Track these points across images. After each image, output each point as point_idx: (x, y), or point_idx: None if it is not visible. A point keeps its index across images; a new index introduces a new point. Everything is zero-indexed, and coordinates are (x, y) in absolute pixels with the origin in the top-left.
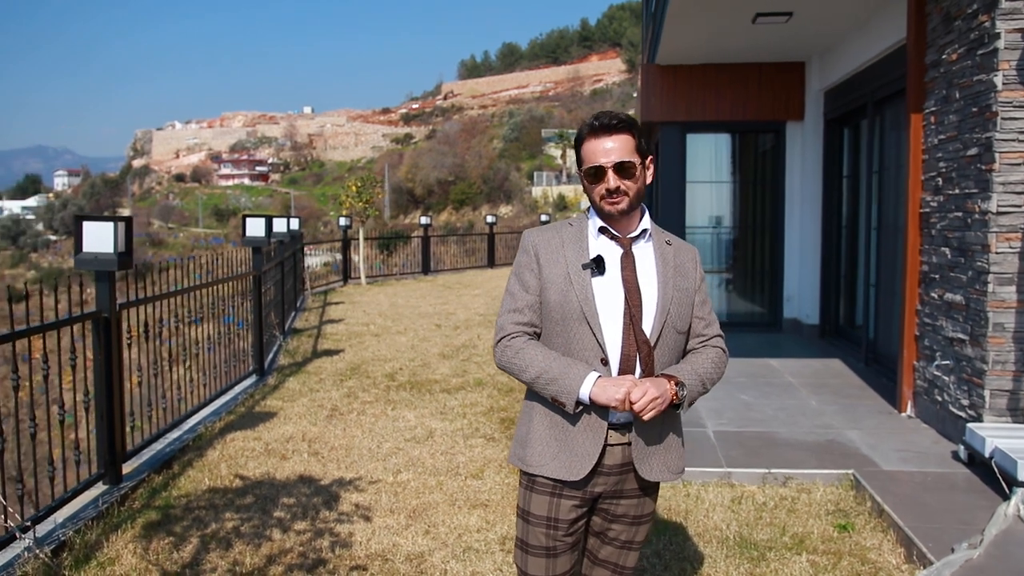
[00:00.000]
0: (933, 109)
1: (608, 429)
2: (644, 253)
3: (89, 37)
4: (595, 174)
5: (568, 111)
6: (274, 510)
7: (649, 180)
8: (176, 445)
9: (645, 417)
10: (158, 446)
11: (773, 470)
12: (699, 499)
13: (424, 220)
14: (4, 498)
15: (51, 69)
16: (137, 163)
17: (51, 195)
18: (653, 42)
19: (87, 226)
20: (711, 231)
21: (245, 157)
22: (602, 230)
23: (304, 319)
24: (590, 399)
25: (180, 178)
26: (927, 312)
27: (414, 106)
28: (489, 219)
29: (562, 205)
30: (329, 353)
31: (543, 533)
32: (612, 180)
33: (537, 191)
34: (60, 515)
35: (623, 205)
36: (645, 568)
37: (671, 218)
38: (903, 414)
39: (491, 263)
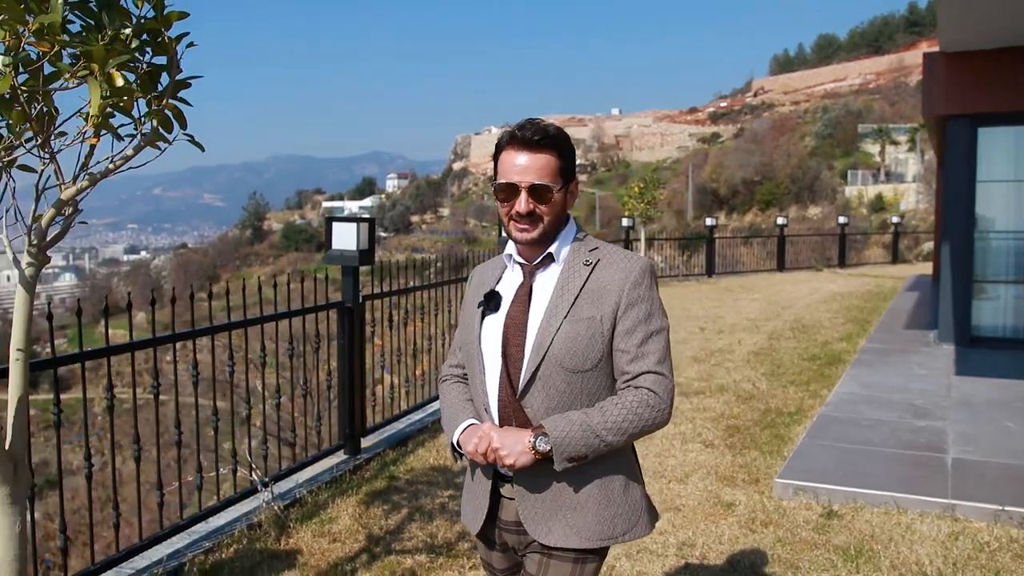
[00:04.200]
0: None
1: (500, 481)
2: (546, 281)
3: (414, 52)
4: (507, 192)
5: (890, 104)
6: None
7: (571, 204)
8: (416, 426)
9: (503, 467)
10: (399, 425)
11: (1009, 508)
12: (909, 529)
13: (709, 221)
14: (251, 458)
15: (387, 80)
16: (457, 166)
17: (383, 196)
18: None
19: (336, 226)
20: (1011, 236)
21: None
22: (511, 257)
23: None
24: (460, 447)
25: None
26: None
27: (722, 104)
28: (780, 220)
29: (879, 206)
30: None
31: None
32: (524, 203)
33: (851, 191)
34: (301, 476)
35: (533, 234)
36: None
37: (955, 221)
38: None
39: (780, 267)
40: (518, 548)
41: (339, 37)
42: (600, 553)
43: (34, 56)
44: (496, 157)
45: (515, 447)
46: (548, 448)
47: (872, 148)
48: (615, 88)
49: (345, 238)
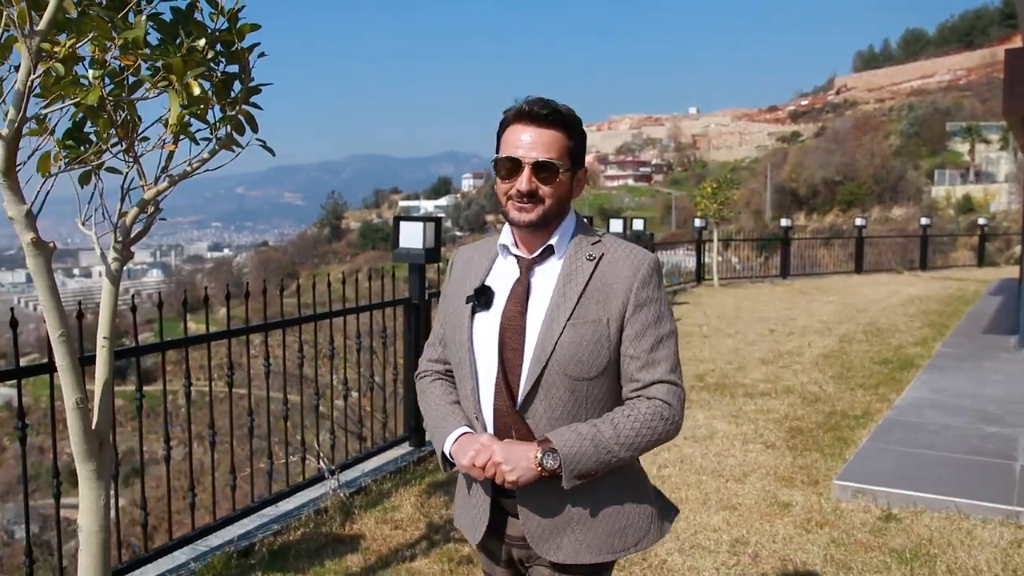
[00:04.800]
0: None
1: (500, 495)
2: (547, 276)
3: (492, 52)
4: (508, 168)
5: (982, 101)
6: None
7: (577, 194)
8: None
9: (506, 484)
10: None
11: None
12: (969, 535)
13: (784, 222)
14: (319, 447)
15: (464, 80)
16: None
17: (459, 195)
18: None
19: (403, 225)
20: None
21: (630, 159)
22: (505, 248)
23: None
24: (453, 458)
25: None
26: None
27: (803, 103)
28: (858, 221)
29: (967, 207)
30: None
31: None
32: (526, 181)
33: (938, 191)
34: (367, 466)
35: (533, 216)
36: None
37: None
38: None
39: (859, 269)
40: (525, 561)
41: (417, 37)
42: (611, 563)
43: (118, 68)
44: (500, 134)
45: (520, 463)
46: (556, 465)
47: (961, 147)
48: (693, 86)
49: (412, 237)
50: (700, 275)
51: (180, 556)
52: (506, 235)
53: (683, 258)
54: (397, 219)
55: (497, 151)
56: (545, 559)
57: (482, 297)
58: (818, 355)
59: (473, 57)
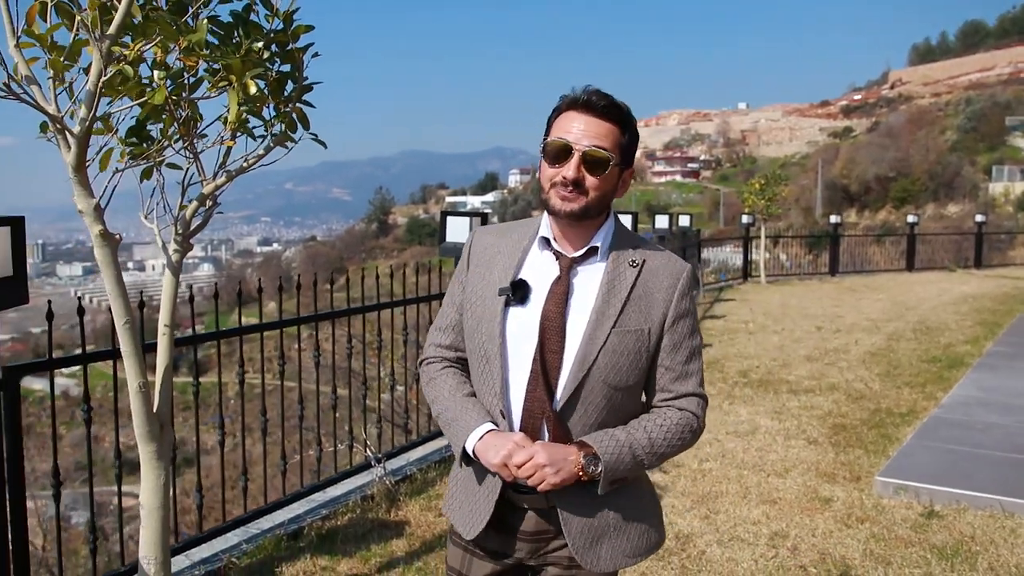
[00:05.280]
0: None
1: (512, 491)
2: (589, 278)
3: (535, 49)
4: (557, 153)
5: None
6: None
7: (620, 194)
8: None
9: (540, 489)
10: None
11: None
12: (1013, 532)
13: (834, 219)
14: (366, 437)
15: (510, 76)
16: None
17: (505, 191)
18: None
19: (450, 220)
20: None
21: (678, 154)
22: (545, 241)
23: None
24: (475, 455)
25: None
26: None
27: (856, 97)
28: (910, 219)
29: None
30: None
31: None
32: (573, 168)
33: (996, 187)
34: (412, 455)
35: (576, 206)
36: None
37: None
38: None
39: (910, 267)
40: (525, 557)
41: (462, 34)
42: None
43: (179, 69)
44: (552, 119)
45: (563, 466)
46: (599, 471)
47: (1021, 142)
48: (742, 81)
49: (458, 231)
50: (747, 272)
51: (233, 537)
52: (546, 227)
53: (730, 255)
54: (444, 214)
55: (546, 136)
56: (563, 557)
57: (518, 292)
58: (865, 353)
59: (521, 54)
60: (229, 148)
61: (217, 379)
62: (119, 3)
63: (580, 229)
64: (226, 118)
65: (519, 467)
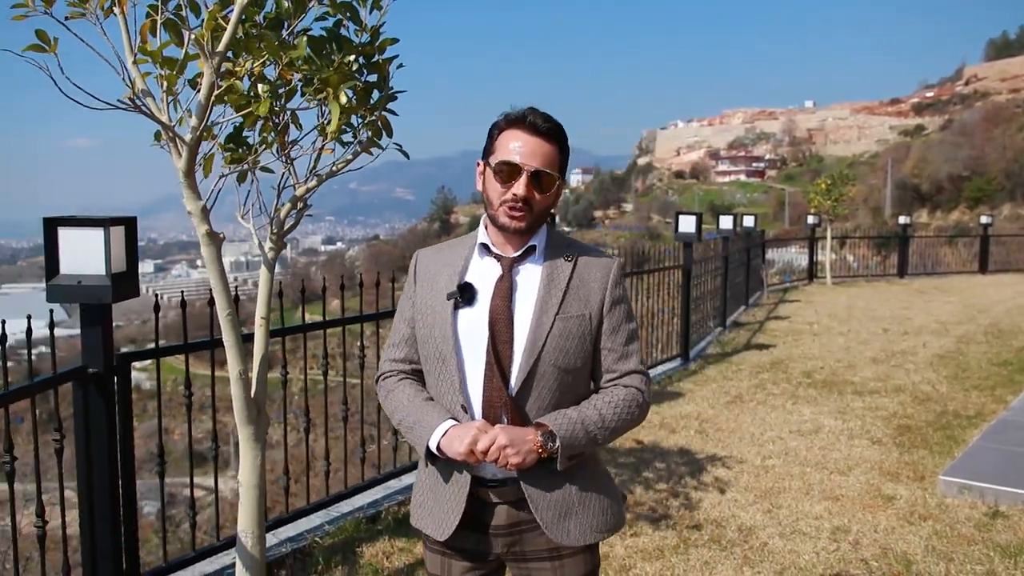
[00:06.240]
0: None
1: (479, 486)
2: (530, 274)
3: (599, 49)
4: (508, 173)
5: None
6: (645, 470)
7: (555, 205)
8: None
9: (508, 467)
10: None
11: None
12: None
13: (903, 220)
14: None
15: (573, 76)
16: (641, 161)
17: (568, 190)
18: None
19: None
20: None
21: (742, 154)
22: (485, 247)
23: (751, 314)
24: (440, 450)
25: (679, 175)
26: None
27: (928, 94)
28: (984, 219)
29: None
30: (759, 347)
31: None
32: (523, 187)
33: None
34: None
35: (523, 223)
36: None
37: None
38: None
39: (983, 269)
40: (503, 553)
41: (521, 35)
42: (597, 545)
43: (276, 82)
44: (493, 135)
45: (523, 446)
46: (556, 447)
47: None
48: (809, 79)
49: None
50: (812, 273)
51: (315, 519)
52: (484, 235)
53: (795, 255)
54: None
55: (488, 150)
56: (542, 550)
57: (466, 294)
58: (933, 355)
59: (581, 53)
60: (320, 153)
61: (304, 369)
62: (225, 23)
63: (526, 237)
64: (324, 127)
65: (484, 452)
